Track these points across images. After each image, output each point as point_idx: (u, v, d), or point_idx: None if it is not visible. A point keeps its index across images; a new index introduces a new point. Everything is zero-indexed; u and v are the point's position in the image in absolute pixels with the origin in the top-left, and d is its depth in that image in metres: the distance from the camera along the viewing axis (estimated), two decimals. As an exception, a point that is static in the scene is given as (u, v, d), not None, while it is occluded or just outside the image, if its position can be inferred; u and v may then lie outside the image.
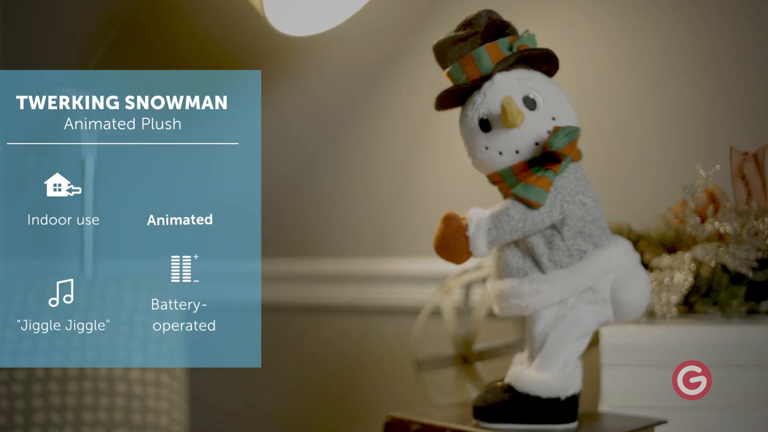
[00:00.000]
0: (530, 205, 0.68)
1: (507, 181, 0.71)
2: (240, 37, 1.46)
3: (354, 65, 1.36)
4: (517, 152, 0.70)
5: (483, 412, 0.71)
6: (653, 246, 0.96)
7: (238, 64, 1.47)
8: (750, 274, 0.86)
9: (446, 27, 1.28)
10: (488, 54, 0.71)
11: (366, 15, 1.32)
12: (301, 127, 1.41)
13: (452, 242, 0.70)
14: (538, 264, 0.70)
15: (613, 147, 1.17)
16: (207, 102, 1.50)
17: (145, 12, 1.55)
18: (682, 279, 0.86)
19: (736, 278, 0.87)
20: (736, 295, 0.86)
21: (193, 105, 1.52)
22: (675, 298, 0.85)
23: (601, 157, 1.16)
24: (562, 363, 0.70)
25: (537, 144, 0.69)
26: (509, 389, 0.71)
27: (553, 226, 0.69)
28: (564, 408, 0.70)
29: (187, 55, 1.52)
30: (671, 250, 0.96)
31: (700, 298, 0.89)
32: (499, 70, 0.71)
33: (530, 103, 0.70)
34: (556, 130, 0.67)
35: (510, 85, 0.70)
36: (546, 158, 0.69)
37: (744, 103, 1.10)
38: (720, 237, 0.88)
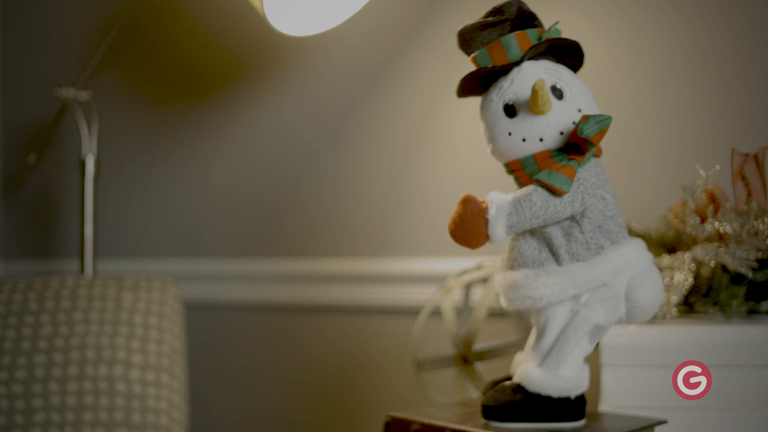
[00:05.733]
0: (554, 192, 0.67)
1: (527, 169, 0.70)
2: (240, 37, 1.46)
3: (354, 65, 1.37)
4: (541, 140, 0.69)
5: (493, 411, 0.71)
6: (653, 246, 0.96)
7: (238, 64, 1.47)
8: (750, 274, 0.86)
9: (446, 27, 1.29)
10: (517, 42, 0.70)
11: (366, 15, 1.32)
12: (301, 127, 1.41)
13: (470, 224, 0.68)
14: (555, 255, 0.69)
15: (613, 147, 1.17)
16: (207, 101, 1.50)
17: (145, 12, 1.55)
18: (682, 279, 0.86)
19: (736, 278, 0.87)
20: (736, 295, 0.86)
21: (193, 104, 1.52)
22: (675, 298, 0.85)
23: (602, 157, 1.16)
24: (573, 363, 0.70)
25: (562, 134, 0.68)
26: (520, 389, 0.70)
27: (573, 218, 0.68)
28: (573, 406, 0.70)
29: (187, 55, 1.52)
30: (671, 250, 0.96)
31: (700, 298, 0.89)
32: (528, 58, 0.70)
33: (557, 93, 0.69)
34: (587, 118, 0.66)
35: (538, 74, 0.70)
36: (569, 148, 0.68)
37: (744, 103, 1.10)
38: (720, 237, 0.88)
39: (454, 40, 1.27)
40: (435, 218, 1.29)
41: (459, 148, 1.27)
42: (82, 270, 1.34)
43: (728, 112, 1.11)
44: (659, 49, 1.15)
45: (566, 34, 1.21)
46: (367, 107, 1.35)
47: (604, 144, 1.16)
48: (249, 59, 1.46)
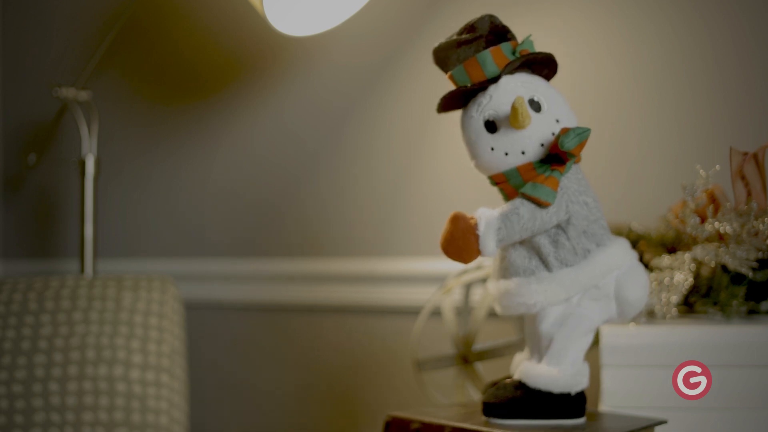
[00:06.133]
0: (540, 204, 0.69)
1: (512, 181, 0.72)
2: (240, 37, 1.46)
3: (354, 65, 1.37)
4: (523, 153, 0.71)
5: (494, 408, 0.71)
6: (653, 246, 0.96)
7: (238, 64, 1.47)
8: (750, 274, 0.86)
9: (445, 27, 1.29)
10: (493, 58, 0.72)
11: (366, 15, 1.32)
12: (301, 127, 1.41)
13: (462, 242, 0.71)
14: (544, 263, 0.71)
15: (613, 147, 1.17)
16: (207, 101, 1.50)
17: (145, 12, 1.55)
18: (682, 279, 0.86)
19: (736, 278, 0.87)
20: (736, 295, 0.86)
21: (193, 104, 1.52)
22: (675, 298, 0.85)
23: (601, 157, 1.16)
24: (572, 359, 0.71)
25: (542, 145, 0.71)
26: (521, 386, 0.71)
27: (558, 226, 0.71)
28: (574, 403, 0.71)
29: (187, 55, 1.52)
30: (671, 250, 0.96)
31: (700, 298, 0.89)
32: (506, 74, 0.72)
33: (535, 106, 0.71)
34: (567, 131, 0.68)
35: (515, 88, 0.72)
36: (551, 159, 0.70)
37: (744, 103, 1.10)
38: (720, 237, 0.88)
39: (454, 40, 1.27)
40: (435, 218, 1.29)
41: (459, 148, 1.27)
42: (82, 270, 1.34)
43: (728, 112, 1.11)
44: (659, 49, 1.15)
45: (566, 34, 1.21)
46: (367, 107, 1.35)
47: (603, 144, 1.17)
48: (249, 59, 1.46)
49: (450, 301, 1.07)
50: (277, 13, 1.12)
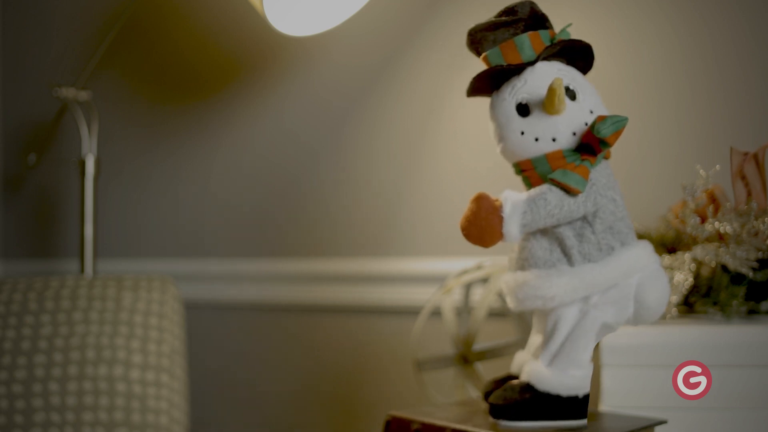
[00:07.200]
0: (569, 191, 0.67)
1: (539, 169, 0.70)
2: (240, 37, 1.46)
3: (354, 65, 1.37)
4: (554, 140, 0.69)
5: (502, 410, 0.70)
6: (653, 246, 0.96)
7: (238, 64, 1.47)
8: (750, 274, 0.86)
9: (445, 27, 1.29)
10: (530, 42, 0.71)
11: (366, 15, 1.32)
12: (301, 127, 1.41)
13: (484, 222, 0.67)
14: (567, 256, 0.69)
15: (613, 147, 1.17)
16: (207, 101, 1.50)
17: (145, 12, 1.55)
18: (682, 279, 0.86)
19: (736, 278, 0.87)
20: (736, 295, 0.86)
21: (193, 104, 1.52)
22: (675, 298, 0.85)
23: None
24: (582, 362, 0.70)
25: (574, 134, 0.69)
26: (529, 388, 0.70)
27: (585, 218, 0.69)
28: (580, 405, 0.70)
29: (187, 55, 1.52)
30: (671, 250, 0.96)
31: (700, 298, 0.89)
32: (542, 58, 0.71)
33: (570, 94, 0.70)
34: (603, 118, 0.67)
35: (551, 74, 0.70)
36: (582, 149, 0.68)
37: (744, 103, 1.10)
38: (720, 237, 0.88)
39: (454, 41, 1.27)
40: (435, 218, 1.29)
41: (459, 148, 1.27)
42: (82, 270, 1.34)
43: (728, 112, 1.11)
44: (659, 49, 1.15)
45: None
46: (367, 107, 1.35)
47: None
48: (249, 59, 1.46)
49: (450, 301, 1.07)
50: (277, 13, 1.12)
